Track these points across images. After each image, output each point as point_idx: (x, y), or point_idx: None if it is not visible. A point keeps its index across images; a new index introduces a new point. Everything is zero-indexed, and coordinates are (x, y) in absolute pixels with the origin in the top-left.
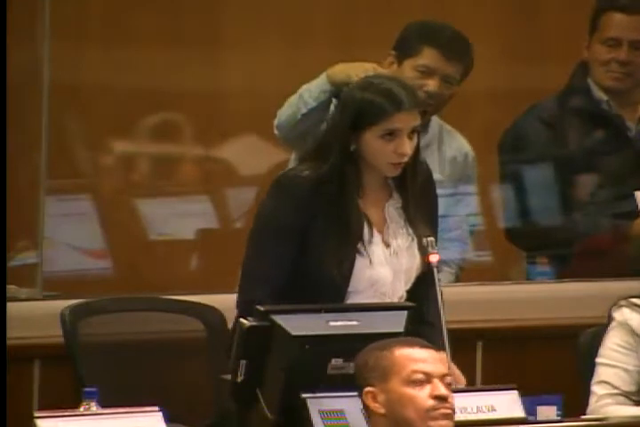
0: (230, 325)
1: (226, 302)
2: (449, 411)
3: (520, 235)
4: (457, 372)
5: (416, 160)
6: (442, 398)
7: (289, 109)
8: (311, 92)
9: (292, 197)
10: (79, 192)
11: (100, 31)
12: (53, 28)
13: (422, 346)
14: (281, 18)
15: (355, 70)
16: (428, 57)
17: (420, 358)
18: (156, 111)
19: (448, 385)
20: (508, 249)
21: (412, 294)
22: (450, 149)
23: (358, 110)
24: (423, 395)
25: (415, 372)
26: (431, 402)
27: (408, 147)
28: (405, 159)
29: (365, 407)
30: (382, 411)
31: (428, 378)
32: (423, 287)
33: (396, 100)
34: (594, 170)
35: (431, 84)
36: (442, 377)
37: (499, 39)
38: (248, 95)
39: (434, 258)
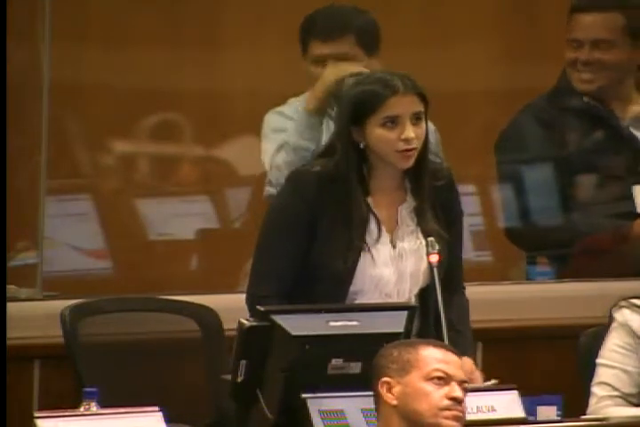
0: (228, 325)
1: (226, 303)
2: (461, 414)
3: (520, 235)
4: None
5: (426, 160)
6: (457, 401)
7: (284, 164)
8: (302, 138)
9: (301, 194)
10: (79, 192)
11: (100, 31)
12: (53, 28)
13: (448, 350)
14: (281, 18)
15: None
16: None
17: (444, 360)
18: (156, 111)
19: (464, 391)
20: (508, 249)
21: (429, 302)
22: None
23: (355, 103)
24: (439, 394)
25: (437, 370)
26: (446, 402)
27: (412, 132)
28: (413, 145)
29: (377, 397)
30: (394, 402)
31: (448, 380)
32: (445, 294)
33: (388, 84)
34: (591, 170)
35: None
36: (460, 382)
37: (499, 39)
38: (248, 95)
39: (433, 258)
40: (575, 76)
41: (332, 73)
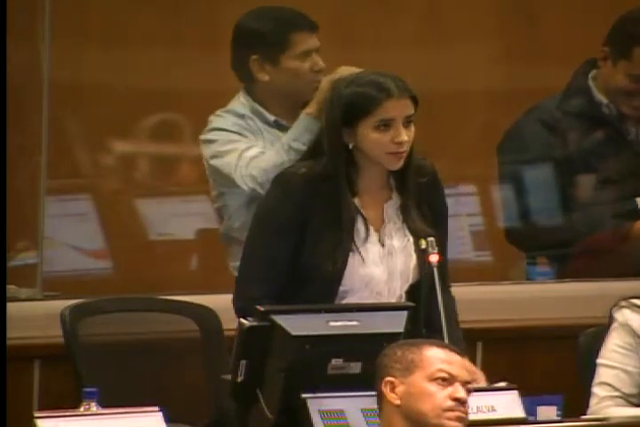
0: (228, 325)
1: (226, 303)
2: (464, 415)
3: (520, 235)
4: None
5: (412, 159)
6: (460, 402)
7: (274, 164)
8: (298, 140)
9: (288, 196)
10: (79, 192)
11: (100, 31)
12: (53, 28)
13: (452, 350)
14: None
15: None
16: None
17: (448, 360)
18: (156, 111)
19: (468, 392)
20: (507, 249)
21: (420, 299)
22: None
23: (348, 104)
24: (443, 394)
25: (441, 371)
26: (450, 403)
27: (405, 135)
28: (404, 148)
29: (380, 396)
30: (398, 402)
31: (452, 380)
32: (434, 293)
33: (383, 87)
34: (593, 171)
35: None
36: (464, 383)
37: (499, 39)
38: None
39: (433, 258)
40: (627, 102)
41: (329, 77)
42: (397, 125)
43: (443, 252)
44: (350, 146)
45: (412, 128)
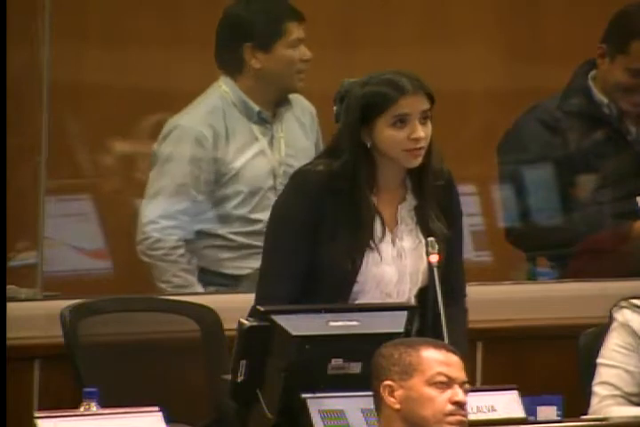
0: (228, 325)
1: (226, 303)
2: (464, 418)
3: (520, 235)
4: None
5: (429, 161)
6: (460, 405)
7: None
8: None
9: (305, 193)
10: (79, 192)
11: (100, 31)
12: (53, 28)
13: (448, 350)
14: None
15: None
16: None
17: (446, 362)
18: (156, 111)
19: (466, 392)
20: (508, 249)
21: (428, 303)
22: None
23: (364, 103)
24: (443, 398)
25: (440, 374)
26: (450, 407)
27: (421, 131)
28: (421, 144)
29: (378, 399)
30: (397, 406)
31: (450, 383)
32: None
33: (397, 85)
34: (593, 171)
35: None
36: (462, 384)
37: (499, 39)
38: None
39: (434, 258)
40: (626, 98)
41: None
42: (413, 122)
43: (457, 257)
44: (368, 145)
45: (429, 125)
